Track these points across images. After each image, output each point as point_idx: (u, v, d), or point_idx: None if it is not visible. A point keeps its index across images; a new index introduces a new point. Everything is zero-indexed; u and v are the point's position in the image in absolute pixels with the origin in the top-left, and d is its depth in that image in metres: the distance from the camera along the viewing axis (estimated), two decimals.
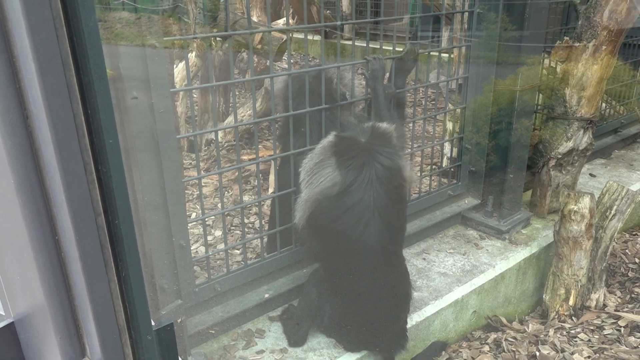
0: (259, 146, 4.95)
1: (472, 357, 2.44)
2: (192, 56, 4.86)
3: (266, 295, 2.27)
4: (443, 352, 2.50)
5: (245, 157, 4.57)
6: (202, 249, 3.19)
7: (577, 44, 2.92)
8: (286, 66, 7.65)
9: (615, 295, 3.09)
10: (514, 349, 2.43)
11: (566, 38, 2.96)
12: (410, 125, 2.69)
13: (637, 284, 3.11)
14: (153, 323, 1.44)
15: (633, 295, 3.03)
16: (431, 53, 2.69)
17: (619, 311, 2.82)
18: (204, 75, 5.05)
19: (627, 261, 3.37)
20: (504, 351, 2.43)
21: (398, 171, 2.02)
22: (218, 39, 4.96)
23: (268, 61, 6.10)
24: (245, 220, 3.73)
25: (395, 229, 2.10)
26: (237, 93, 6.25)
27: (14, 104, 1.10)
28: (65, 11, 1.10)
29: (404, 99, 2.46)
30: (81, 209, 1.22)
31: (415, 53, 2.40)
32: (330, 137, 2.02)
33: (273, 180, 4.34)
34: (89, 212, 1.26)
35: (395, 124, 2.30)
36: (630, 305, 2.91)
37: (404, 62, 2.39)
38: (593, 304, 2.94)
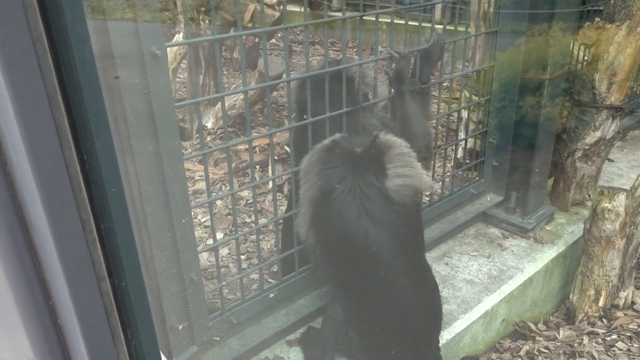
0: (253, 133, 4.67)
1: None
2: (179, 37, 4.50)
3: (271, 296, 1.98)
4: None
5: (241, 147, 4.28)
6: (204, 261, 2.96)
7: (608, 25, 2.67)
8: (280, 44, 7.21)
9: None
10: None
11: (597, 19, 2.71)
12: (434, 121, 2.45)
13: None
14: None
15: None
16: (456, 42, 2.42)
17: None
18: (192, 58, 4.70)
19: None
20: None
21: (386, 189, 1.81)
22: (206, 17, 4.61)
23: (257, 38, 5.75)
24: (247, 219, 3.49)
25: (407, 238, 1.89)
26: (224, 72, 5.89)
27: None
28: (49, 33, 0.82)
29: (429, 95, 2.21)
30: (80, 275, 0.97)
31: (442, 43, 2.14)
32: (327, 140, 1.80)
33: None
34: (90, 278, 1.01)
35: (421, 126, 2.06)
36: None
37: (429, 54, 2.13)
38: (622, 302, 2.79)
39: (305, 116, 2.00)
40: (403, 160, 1.80)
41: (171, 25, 4.97)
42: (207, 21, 4.59)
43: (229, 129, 4.63)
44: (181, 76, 5.84)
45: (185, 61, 5.24)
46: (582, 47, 2.84)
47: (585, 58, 2.87)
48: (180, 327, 1.70)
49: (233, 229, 3.43)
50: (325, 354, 2.04)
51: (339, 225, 1.77)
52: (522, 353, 2.39)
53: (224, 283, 1.82)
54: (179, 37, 4.60)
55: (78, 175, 0.92)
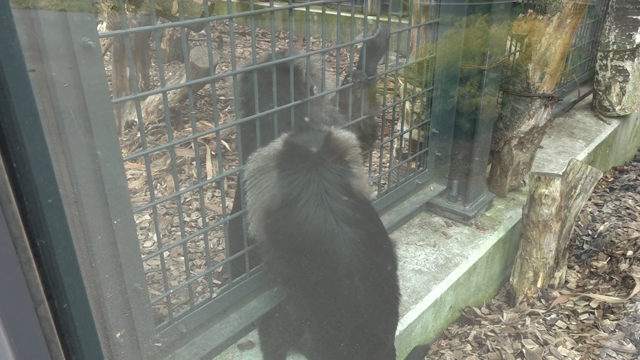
0: (188, 127, 4.47)
1: None
2: (102, 27, 4.22)
3: (214, 295, 1.87)
4: (425, 358, 2.35)
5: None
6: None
7: (540, 17, 2.76)
8: (211, 35, 6.92)
9: (575, 270, 3.10)
10: (499, 347, 2.32)
11: (530, 11, 2.80)
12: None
13: (594, 258, 3.15)
14: None
15: (592, 270, 3.05)
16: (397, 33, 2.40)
17: (585, 291, 2.82)
18: (118, 49, 4.43)
19: (580, 233, 3.41)
20: (488, 350, 2.32)
21: (349, 188, 1.78)
22: (131, 6, 4.34)
23: (186, 28, 5.50)
24: (187, 219, 3.34)
25: (371, 237, 1.86)
26: (152, 64, 5.60)
27: None
28: None
29: (375, 87, 2.18)
30: (14, 299, 0.86)
31: (388, 34, 2.11)
32: (278, 143, 1.73)
33: (211, 168, 3.93)
34: (25, 302, 0.89)
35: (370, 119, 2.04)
36: (592, 282, 2.93)
37: (375, 45, 2.10)
38: (556, 282, 2.92)
39: (247, 110, 1.90)
40: (358, 159, 1.77)
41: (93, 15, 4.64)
42: (131, 10, 4.32)
43: (159, 123, 4.42)
44: (105, 69, 5.51)
45: (109, 53, 4.93)
46: (516, 39, 2.93)
47: (519, 49, 2.96)
48: (121, 338, 1.57)
49: (173, 229, 3.28)
50: (278, 349, 1.98)
51: (302, 229, 1.70)
52: (470, 338, 2.44)
53: (171, 291, 1.70)
54: (101, 28, 4.31)
55: (7, 185, 0.79)
